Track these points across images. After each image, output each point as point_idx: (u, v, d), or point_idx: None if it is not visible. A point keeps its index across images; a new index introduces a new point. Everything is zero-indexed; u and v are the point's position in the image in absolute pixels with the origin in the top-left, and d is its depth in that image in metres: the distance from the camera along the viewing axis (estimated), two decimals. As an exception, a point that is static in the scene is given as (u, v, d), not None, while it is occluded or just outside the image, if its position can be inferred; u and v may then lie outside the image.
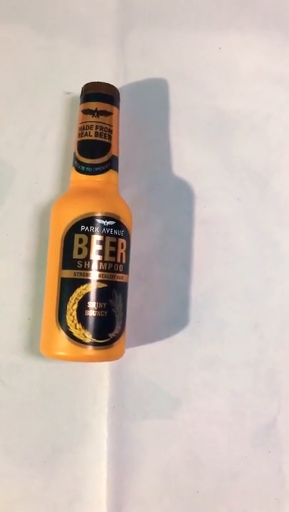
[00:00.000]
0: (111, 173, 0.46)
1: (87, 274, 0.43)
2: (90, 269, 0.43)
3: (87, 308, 0.43)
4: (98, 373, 0.49)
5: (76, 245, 0.43)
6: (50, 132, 0.51)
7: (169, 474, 0.48)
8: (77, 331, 0.42)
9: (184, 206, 0.51)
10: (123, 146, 0.48)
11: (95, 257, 0.43)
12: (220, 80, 0.52)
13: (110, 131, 0.46)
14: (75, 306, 0.43)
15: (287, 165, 0.51)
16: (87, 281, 0.43)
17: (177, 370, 0.49)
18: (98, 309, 0.43)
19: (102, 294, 0.43)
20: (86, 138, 0.45)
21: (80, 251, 0.43)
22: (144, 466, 0.48)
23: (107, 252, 0.43)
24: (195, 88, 0.52)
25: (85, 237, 0.43)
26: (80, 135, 0.46)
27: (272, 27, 0.53)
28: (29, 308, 0.49)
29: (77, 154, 0.46)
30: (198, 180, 0.51)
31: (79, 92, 0.48)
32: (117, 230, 0.44)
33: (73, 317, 0.42)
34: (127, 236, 0.45)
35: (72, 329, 0.42)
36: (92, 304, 0.43)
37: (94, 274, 0.43)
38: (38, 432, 0.48)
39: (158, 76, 0.52)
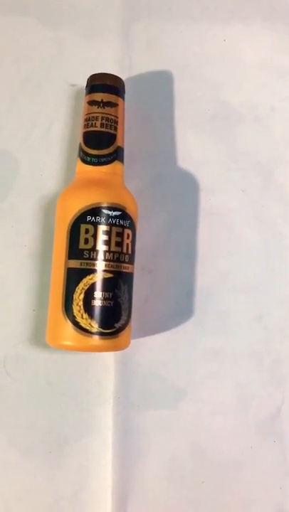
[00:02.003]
0: (117, 164, 0.46)
1: (94, 264, 0.43)
2: (96, 259, 0.43)
3: (94, 298, 0.43)
4: (103, 364, 0.49)
5: (82, 235, 0.43)
6: (55, 124, 0.51)
7: (173, 464, 0.48)
8: (83, 320, 0.43)
9: (188, 198, 0.51)
10: (128, 139, 0.48)
11: (101, 247, 0.43)
12: (224, 72, 0.52)
13: (116, 122, 0.46)
14: (82, 296, 0.43)
15: (291, 156, 0.52)
16: (94, 271, 0.43)
17: (182, 361, 0.49)
18: (104, 299, 0.43)
19: (109, 284, 0.43)
20: (92, 129, 0.45)
21: (86, 241, 0.43)
22: (149, 457, 0.48)
23: (113, 243, 0.44)
24: (200, 80, 0.52)
25: (91, 227, 0.43)
26: (86, 126, 0.46)
27: (277, 19, 0.53)
28: (34, 299, 0.49)
29: (82, 145, 0.46)
30: (203, 172, 0.51)
31: (84, 84, 0.48)
32: (123, 221, 0.44)
33: (80, 307, 0.43)
34: (132, 226, 0.45)
35: (78, 319, 0.43)
36: (98, 294, 0.43)
37: (100, 264, 0.43)
38: (43, 423, 0.48)
39: (163, 68, 0.52)
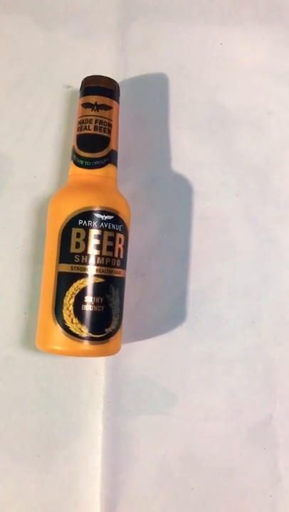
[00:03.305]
0: (110, 167, 0.45)
1: (85, 269, 0.43)
2: (87, 263, 0.43)
3: (84, 303, 0.42)
4: (94, 368, 0.48)
5: (74, 239, 0.43)
6: (49, 125, 0.51)
7: (163, 470, 0.48)
8: (73, 325, 0.42)
9: (182, 201, 0.51)
10: (122, 141, 0.47)
11: (93, 252, 0.43)
12: (221, 74, 0.52)
13: (110, 125, 0.45)
14: (72, 301, 0.42)
15: (287, 161, 0.51)
16: (85, 275, 0.43)
17: (174, 365, 0.49)
18: (95, 304, 0.43)
19: (99, 289, 0.43)
20: (85, 132, 0.45)
21: (77, 245, 0.43)
22: (139, 462, 0.48)
23: (104, 247, 0.43)
24: (196, 83, 0.52)
25: (82, 231, 0.43)
26: (79, 129, 0.45)
27: (274, 22, 0.52)
28: (25, 302, 0.49)
29: (76, 148, 0.45)
30: (198, 176, 0.51)
31: (78, 85, 0.47)
32: (115, 225, 0.44)
33: (70, 311, 0.42)
34: (125, 231, 0.45)
35: (68, 324, 0.42)
36: (89, 299, 0.42)
37: (91, 269, 0.43)
38: (32, 426, 0.48)
39: (158, 70, 0.51)
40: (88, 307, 0.42)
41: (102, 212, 0.43)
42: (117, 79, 0.47)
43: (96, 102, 0.45)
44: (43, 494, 0.48)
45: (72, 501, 0.47)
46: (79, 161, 0.45)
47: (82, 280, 0.43)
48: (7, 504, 0.47)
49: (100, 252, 0.43)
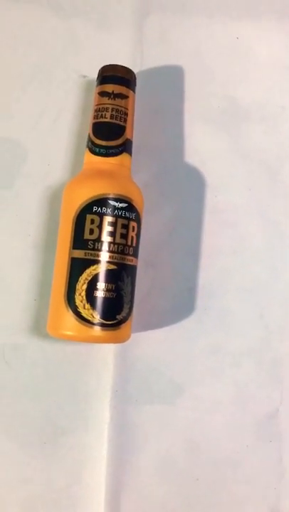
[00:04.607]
0: (125, 156, 0.46)
1: (98, 255, 0.43)
2: (100, 249, 0.43)
3: (96, 289, 0.43)
4: (103, 357, 0.49)
5: (88, 226, 0.43)
6: (64, 114, 0.51)
7: (168, 460, 0.48)
8: (85, 311, 0.42)
9: (194, 194, 0.51)
10: (136, 131, 0.48)
11: (106, 238, 0.43)
12: (236, 69, 0.52)
13: (126, 114, 0.46)
14: (85, 286, 0.42)
15: (298, 157, 0.52)
16: (98, 261, 0.43)
17: (181, 357, 0.49)
18: (107, 290, 0.43)
19: (112, 276, 0.43)
20: (101, 120, 0.45)
21: (91, 231, 0.43)
22: (144, 452, 0.48)
23: (118, 234, 0.43)
24: (210, 76, 0.52)
25: (97, 218, 0.43)
26: (96, 117, 0.46)
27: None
28: (36, 289, 0.49)
29: (91, 136, 0.46)
30: (210, 169, 0.51)
31: (94, 75, 0.48)
32: (129, 213, 0.44)
33: (82, 297, 0.42)
34: (138, 219, 0.45)
35: (80, 309, 0.42)
36: (101, 285, 0.43)
37: (104, 255, 0.43)
38: (39, 413, 0.48)
39: (174, 62, 0.52)
40: (100, 293, 0.43)
41: (117, 200, 0.44)
42: (133, 69, 0.48)
43: (113, 91, 0.45)
44: (48, 481, 0.48)
45: (77, 489, 0.48)
46: (94, 149, 0.45)
47: (95, 266, 0.43)
48: (12, 489, 0.47)
49: (114, 239, 0.43)
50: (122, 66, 0.46)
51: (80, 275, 0.43)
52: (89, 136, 0.46)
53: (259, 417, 0.49)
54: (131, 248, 0.44)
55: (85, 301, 0.42)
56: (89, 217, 0.43)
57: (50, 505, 0.47)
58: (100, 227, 0.43)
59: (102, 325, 0.43)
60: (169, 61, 0.52)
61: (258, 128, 0.52)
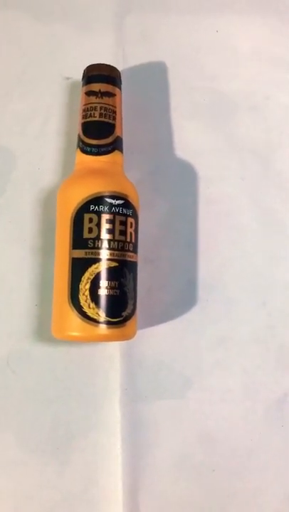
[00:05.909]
0: (116, 153, 0.46)
1: (98, 253, 0.43)
2: (100, 248, 0.43)
3: (100, 288, 0.42)
4: (109, 356, 0.48)
5: (86, 225, 0.43)
6: (51, 118, 0.51)
7: (184, 454, 0.48)
8: (90, 310, 0.42)
9: (188, 187, 0.51)
10: (124, 130, 0.48)
11: (106, 236, 0.43)
12: (219, 62, 0.53)
13: (114, 112, 0.46)
14: (88, 286, 0.42)
15: (287, 143, 0.52)
16: (99, 260, 0.43)
17: (187, 349, 0.49)
18: (111, 288, 0.43)
19: (114, 273, 0.43)
20: (91, 119, 0.45)
21: (90, 230, 0.43)
22: (158, 447, 0.48)
23: (117, 231, 0.43)
24: (194, 71, 0.52)
25: (94, 216, 0.43)
26: (85, 117, 0.46)
27: (269, 9, 0.53)
28: (36, 294, 0.49)
29: (82, 136, 0.46)
30: (201, 162, 0.51)
31: (79, 77, 0.48)
32: (126, 209, 0.44)
33: (86, 297, 0.42)
34: (135, 215, 0.45)
35: (85, 309, 0.42)
36: (104, 283, 0.43)
37: (105, 253, 0.43)
38: (50, 419, 0.48)
39: (157, 60, 0.52)
40: (104, 291, 0.42)
41: (113, 197, 0.44)
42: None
43: (100, 90, 0.45)
44: (64, 486, 0.47)
45: (94, 491, 0.47)
46: (86, 148, 0.45)
47: (96, 265, 0.43)
48: (29, 498, 0.47)
49: (113, 237, 0.43)
50: (107, 64, 0.46)
51: (83, 275, 0.42)
52: (79, 136, 0.46)
53: (269, 403, 0.49)
54: (130, 244, 0.44)
55: (89, 301, 0.42)
56: (87, 216, 0.43)
57: (68, 511, 0.47)
58: (99, 225, 0.43)
59: (108, 323, 0.42)
60: (151, 58, 0.52)
61: (246, 118, 0.52)
